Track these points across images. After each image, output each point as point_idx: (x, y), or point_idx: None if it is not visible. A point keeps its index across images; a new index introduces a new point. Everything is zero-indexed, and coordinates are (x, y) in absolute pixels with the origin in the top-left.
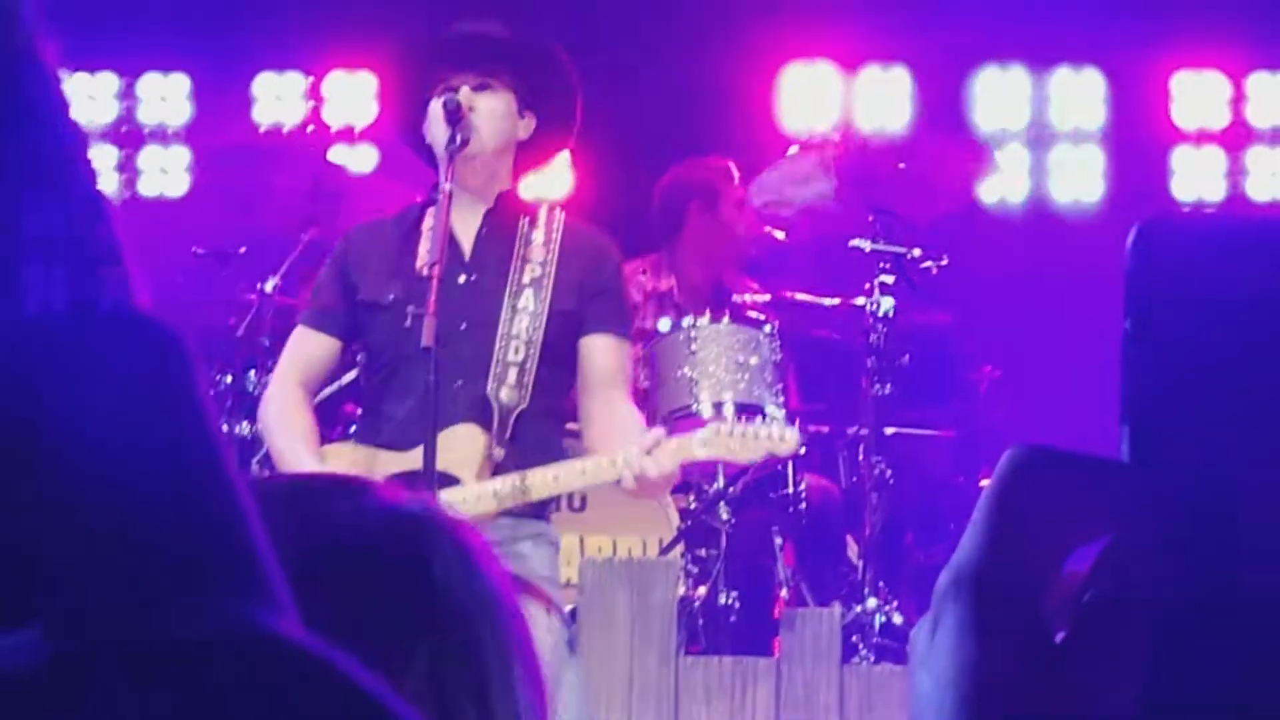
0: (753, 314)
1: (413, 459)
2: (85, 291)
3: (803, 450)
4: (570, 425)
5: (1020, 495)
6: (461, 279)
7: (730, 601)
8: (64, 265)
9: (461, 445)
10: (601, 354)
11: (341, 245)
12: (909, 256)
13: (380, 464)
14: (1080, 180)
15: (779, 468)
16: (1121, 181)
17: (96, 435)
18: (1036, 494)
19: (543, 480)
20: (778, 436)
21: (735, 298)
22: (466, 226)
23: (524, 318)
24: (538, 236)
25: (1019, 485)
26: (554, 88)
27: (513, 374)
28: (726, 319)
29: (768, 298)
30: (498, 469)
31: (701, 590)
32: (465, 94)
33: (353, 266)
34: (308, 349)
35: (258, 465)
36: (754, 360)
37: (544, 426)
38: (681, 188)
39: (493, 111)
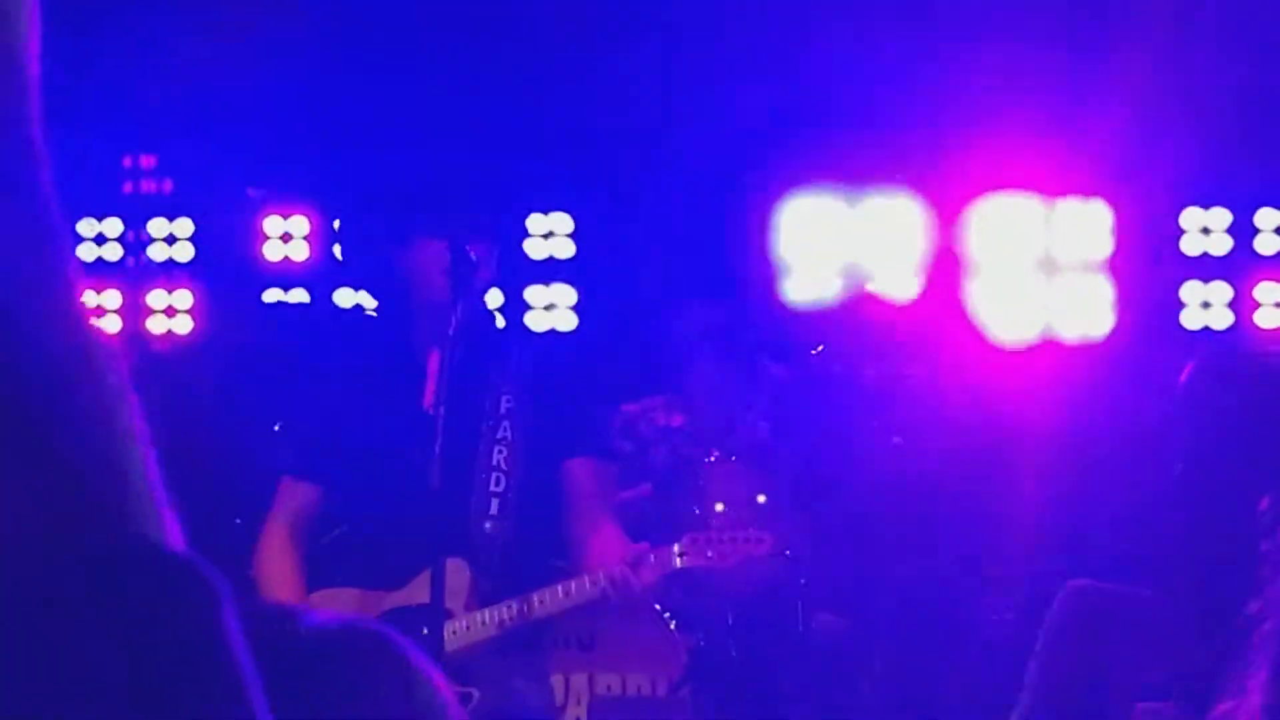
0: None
1: (403, 596)
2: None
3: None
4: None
5: (1073, 646)
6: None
7: None
8: None
9: (448, 579)
10: (583, 476)
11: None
12: None
13: (369, 604)
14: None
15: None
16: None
17: None
18: (1089, 642)
19: (541, 600)
20: (755, 539)
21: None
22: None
23: (503, 449)
24: (511, 370)
25: (1071, 636)
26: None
27: (495, 505)
28: (734, 458)
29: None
30: (485, 600)
31: None
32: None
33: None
34: (298, 499)
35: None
36: (762, 498)
37: (526, 556)
38: (691, 329)
39: (487, 263)
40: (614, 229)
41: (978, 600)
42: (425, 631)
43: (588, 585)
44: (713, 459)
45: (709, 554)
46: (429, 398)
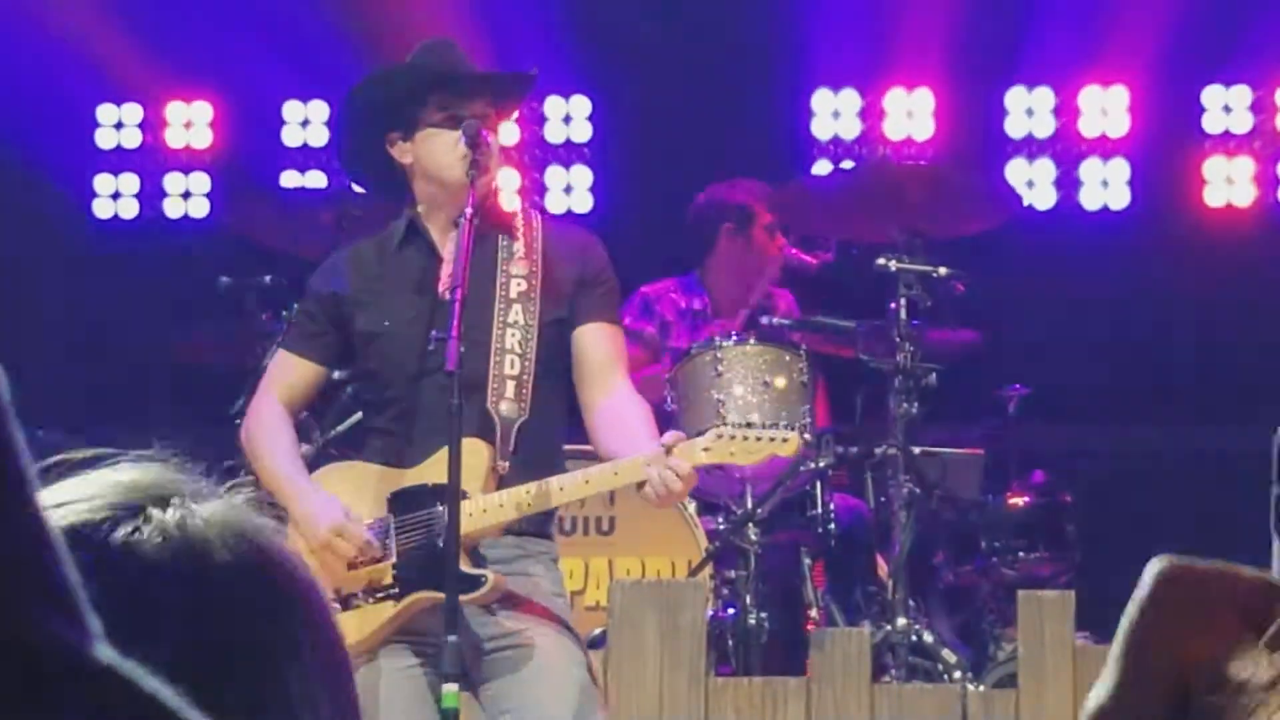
0: (780, 335)
1: (418, 475)
2: None
3: (830, 467)
4: (568, 446)
5: (1158, 624)
6: (449, 297)
7: (760, 622)
8: None
9: (466, 460)
10: (595, 342)
11: (324, 273)
12: (935, 274)
13: (387, 481)
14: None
15: (807, 488)
16: (1149, 189)
17: None
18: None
19: (560, 487)
20: (780, 439)
21: (763, 319)
22: (452, 245)
23: (516, 332)
24: (519, 248)
25: (1156, 615)
26: (516, 105)
27: (511, 388)
28: (753, 340)
29: (795, 319)
30: (502, 482)
31: (731, 612)
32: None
33: (341, 295)
34: (292, 373)
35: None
36: (780, 381)
37: (545, 438)
38: (714, 209)
39: (497, 145)
40: (633, 112)
41: (996, 481)
42: (440, 508)
43: (611, 474)
44: (732, 339)
45: (732, 451)
46: (444, 281)
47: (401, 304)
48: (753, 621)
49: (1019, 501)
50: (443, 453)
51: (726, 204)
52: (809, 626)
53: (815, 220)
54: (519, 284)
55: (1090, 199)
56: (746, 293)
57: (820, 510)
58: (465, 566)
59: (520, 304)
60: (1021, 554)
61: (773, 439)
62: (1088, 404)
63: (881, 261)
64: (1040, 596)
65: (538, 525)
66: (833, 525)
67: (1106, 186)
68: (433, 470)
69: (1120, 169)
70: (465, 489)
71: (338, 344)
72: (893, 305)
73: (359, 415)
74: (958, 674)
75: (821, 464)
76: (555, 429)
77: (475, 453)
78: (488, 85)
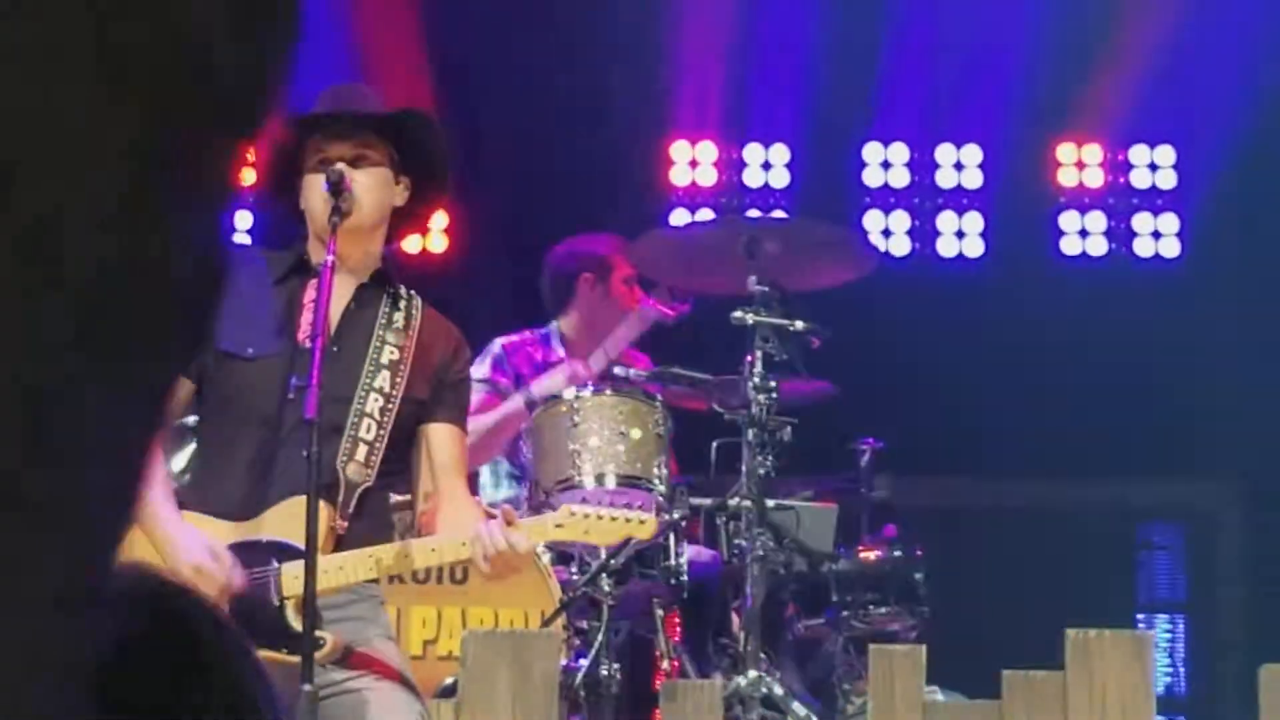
0: (636, 387)
1: (254, 528)
2: None
3: (685, 520)
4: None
5: None
6: (308, 345)
7: (612, 673)
8: None
9: (305, 516)
10: (444, 443)
11: None
12: (791, 328)
13: (218, 534)
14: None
15: (660, 539)
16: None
17: None
18: None
19: (419, 551)
20: (636, 520)
21: (619, 370)
22: (337, 298)
23: (379, 398)
24: (399, 320)
25: None
26: (426, 153)
27: (362, 451)
28: (609, 391)
29: (651, 371)
30: (340, 542)
31: (583, 663)
32: (344, 168)
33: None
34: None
35: None
36: (636, 433)
37: (383, 505)
38: (573, 260)
39: (370, 185)
40: (492, 157)
41: (849, 534)
42: (277, 565)
43: (459, 545)
44: (588, 390)
45: (586, 530)
46: (303, 329)
47: (267, 338)
48: (605, 672)
49: (871, 555)
50: (283, 506)
51: (585, 255)
52: (660, 678)
53: (671, 271)
54: (392, 352)
55: (948, 248)
56: (605, 339)
57: (673, 561)
58: (298, 625)
59: (389, 371)
60: (873, 608)
61: (629, 520)
62: (941, 457)
63: (738, 315)
64: (891, 650)
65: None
66: (685, 577)
67: (962, 238)
68: (271, 524)
69: (975, 221)
70: (300, 545)
71: (201, 359)
72: (748, 358)
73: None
74: None
75: (675, 516)
76: (390, 497)
77: (318, 512)
78: (330, 122)
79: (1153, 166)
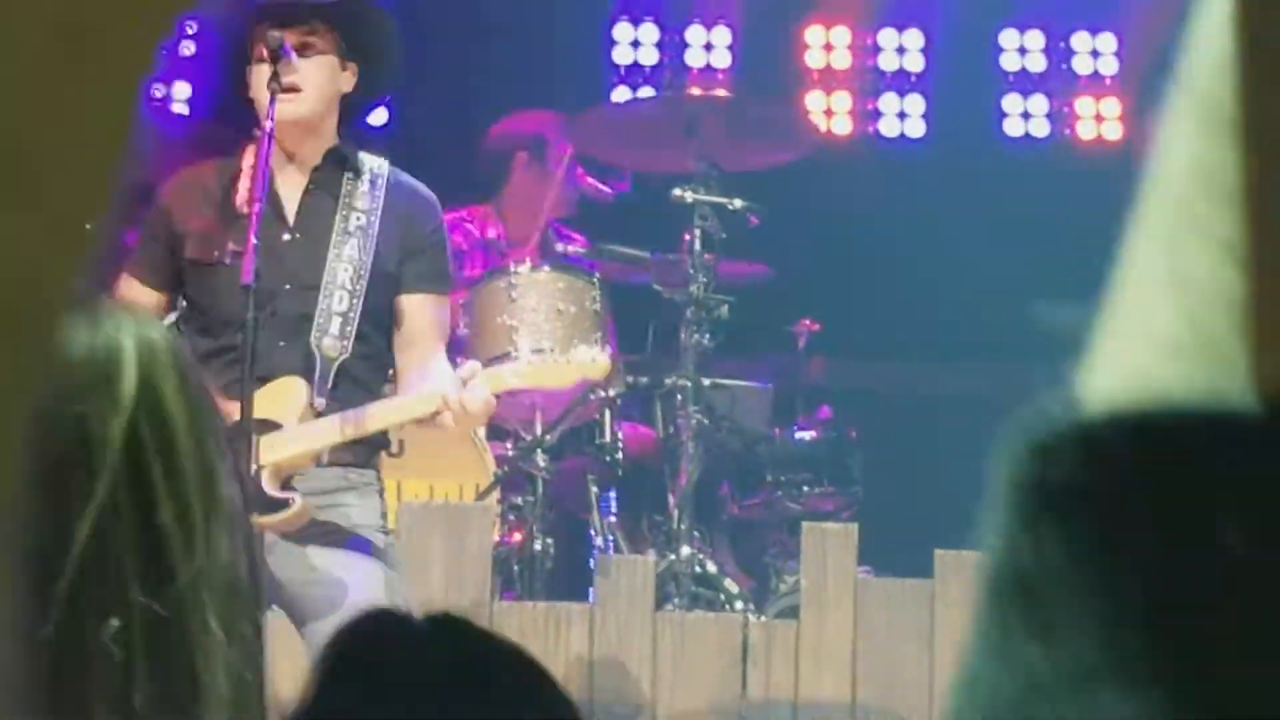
0: (574, 263)
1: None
2: None
3: (619, 397)
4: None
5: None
6: (285, 238)
7: (546, 548)
8: None
9: (284, 395)
10: (419, 312)
11: (163, 198)
12: (730, 206)
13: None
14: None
15: (597, 416)
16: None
17: None
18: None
19: (370, 415)
20: (589, 359)
21: (558, 247)
22: (292, 187)
23: (349, 267)
24: (362, 191)
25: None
26: (373, 39)
27: (336, 324)
28: (547, 267)
29: (590, 248)
30: (320, 419)
31: (517, 536)
32: (289, 65)
33: (176, 221)
34: (135, 299)
35: None
36: (574, 309)
37: (365, 376)
38: (508, 139)
39: (316, 73)
40: (434, 33)
41: (784, 415)
42: (255, 437)
43: (424, 399)
44: (526, 265)
45: (545, 373)
46: (241, 194)
47: (231, 234)
48: (539, 547)
49: (805, 435)
50: (264, 390)
51: (521, 134)
52: (594, 553)
53: (612, 150)
54: (358, 218)
55: (889, 128)
56: (541, 222)
57: (609, 439)
58: (273, 490)
59: (357, 239)
60: (806, 488)
61: (582, 361)
62: (878, 340)
63: (677, 192)
64: (824, 529)
65: (362, 457)
66: (620, 454)
67: (904, 119)
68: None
69: (917, 103)
70: (280, 421)
71: (173, 270)
72: (686, 236)
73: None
74: (740, 604)
75: (611, 393)
76: (377, 372)
77: (293, 389)
78: (286, 12)
79: (1094, 54)
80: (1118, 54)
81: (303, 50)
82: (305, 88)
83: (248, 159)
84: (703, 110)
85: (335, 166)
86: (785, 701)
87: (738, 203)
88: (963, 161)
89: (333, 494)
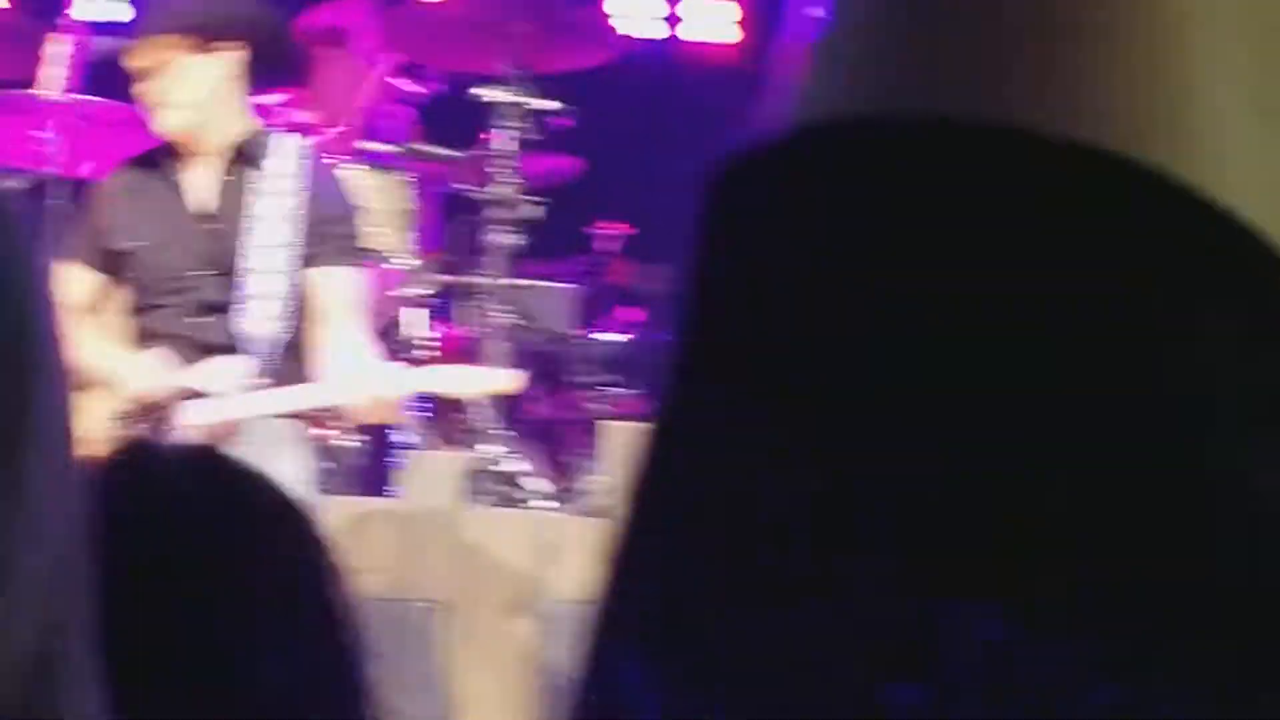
0: (384, 161)
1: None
2: None
3: (431, 296)
4: None
5: None
6: (208, 226)
7: (354, 444)
8: None
9: (225, 371)
10: (327, 286)
11: (95, 196)
12: (533, 106)
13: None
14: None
15: (395, 315)
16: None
17: None
18: None
19: (282, 400)
20: (504, 377)
21: (366, 144)
22: (210, 181)
23: (269, 253)
24: (285, 169)
25: None
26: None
27: (271, 306)
28: (355, 164)
29: (400, 146)
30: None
31: (326, 432)
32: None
33: (106, 215)
34: (79, 286)
35: None
36: (384, 207)
37: (301, 356)
38: (309, 31)
39: (165, 90)
40: None
41: (591, 317)
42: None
43: (338, 392)
44: (345, 160)
45: (461, 384)
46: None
47: (160, 225)
48: (347, 444)
49: (612, 337)
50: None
51: (318, 27)
52: (400, 450)
53: (422, 49)
54: (282, 202)
55: (700, 33)
56: (348, 116)
57: (412, 334)
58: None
59: (287, 224)
60: (613, 389)
61: (491, 376)
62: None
63: (476, 91)
64: (627, 427)
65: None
66: (430, 352)
67: (713, 23)
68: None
69: (731, 9)
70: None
71: (107, 259)
72: (485, 135)
73: None
74: (545, 502)
75: (425, 292)
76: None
77: (234, 365)
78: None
79: None
80: None
81: (148, 75)
82: (173, 98)
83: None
84: (512, 11)
85: (253, 151)
86: (589, 600)
87: (546, 104)
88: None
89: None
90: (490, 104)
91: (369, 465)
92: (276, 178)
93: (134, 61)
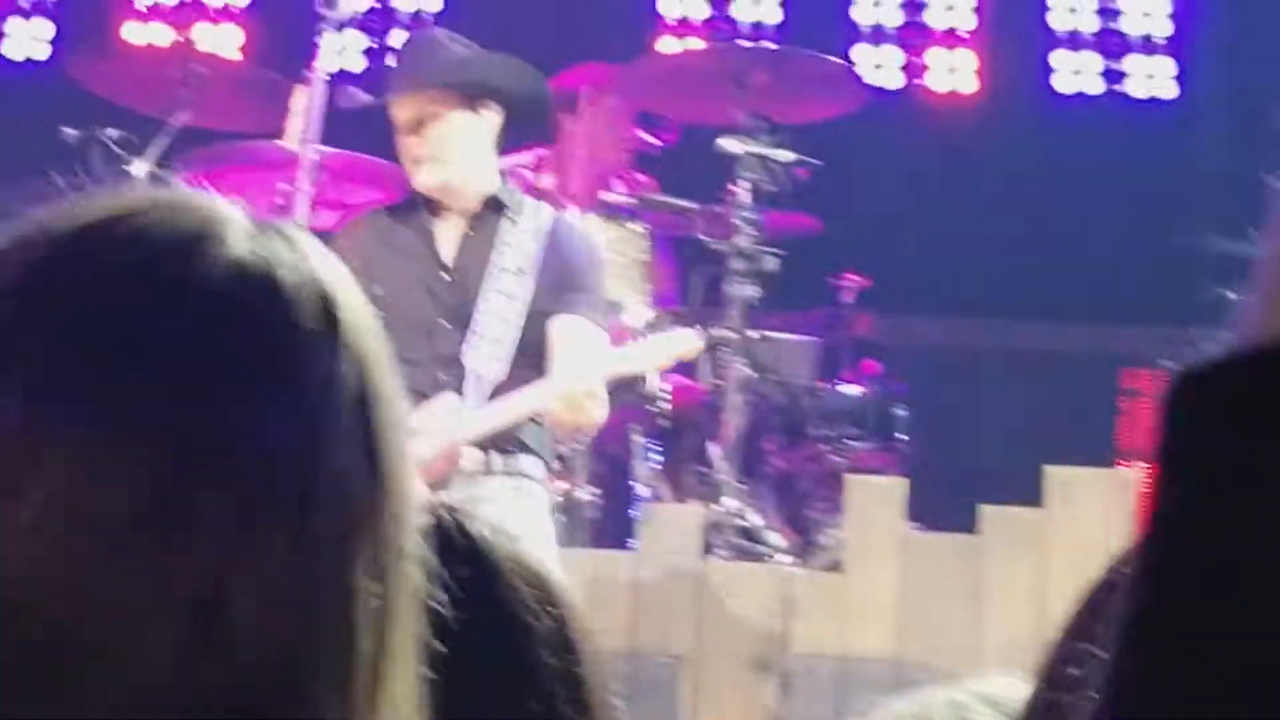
0: (622, 213)
1: None
2: None
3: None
4: None
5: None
6: (445, 278)
7: (590, 498)
8: None
9: (443, 408)
10: (571, 328)
11: (345, 237)
12: (778, 158)
13: None
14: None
15: None
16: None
17: None
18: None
19: (495, 413)
20: (680, 338)
21: (605, 196)
22: (452, 235)
23: (506, 300)
24: (522, 231)
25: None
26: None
27: (493, 348)
28: (595, 217)
29: (638, 198)
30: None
31: (562, 485)
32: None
33: (354, 256)
34: None
35: None
36: (619, 258)
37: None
38: (561, 93)
39: (442, 143)
40: None
41: (829, 369)
42: None
43: (541, 395)
44: (574, 215)
45: (639, 359)
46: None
47: (407, 278)
48: (583, 497)
49: (852, 390)
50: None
51: (572, 88)
52: (638, 504)
53: (661, 100)
54: (517, 257)
55: (939, 83)
56: (592, 175)
57: (653, 389)
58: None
59: (514, 276)
60: (851, 442)
61: (671, 339)
62: (926, 296)
63: (723, 143)
64: (869, 481)
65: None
66: (666, 405)
67: (954, 73)
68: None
69: (968, 58)
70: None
71: None
72: (732, 188)
73: None
74: (783, 557)
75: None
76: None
77: (452, 406)
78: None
79: (1144, 14)
80: (1171, 15)
81: (416, 128)
82: (439, 153)
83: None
84: (752, 61)
85: (493, 212)
86: (829, 655)
87: (785, 155)
88: (1012, 117)
89: (476, 485)
90: (732, 155)
91: (607, 518)
92: (521, 234)
93: (401, 114)
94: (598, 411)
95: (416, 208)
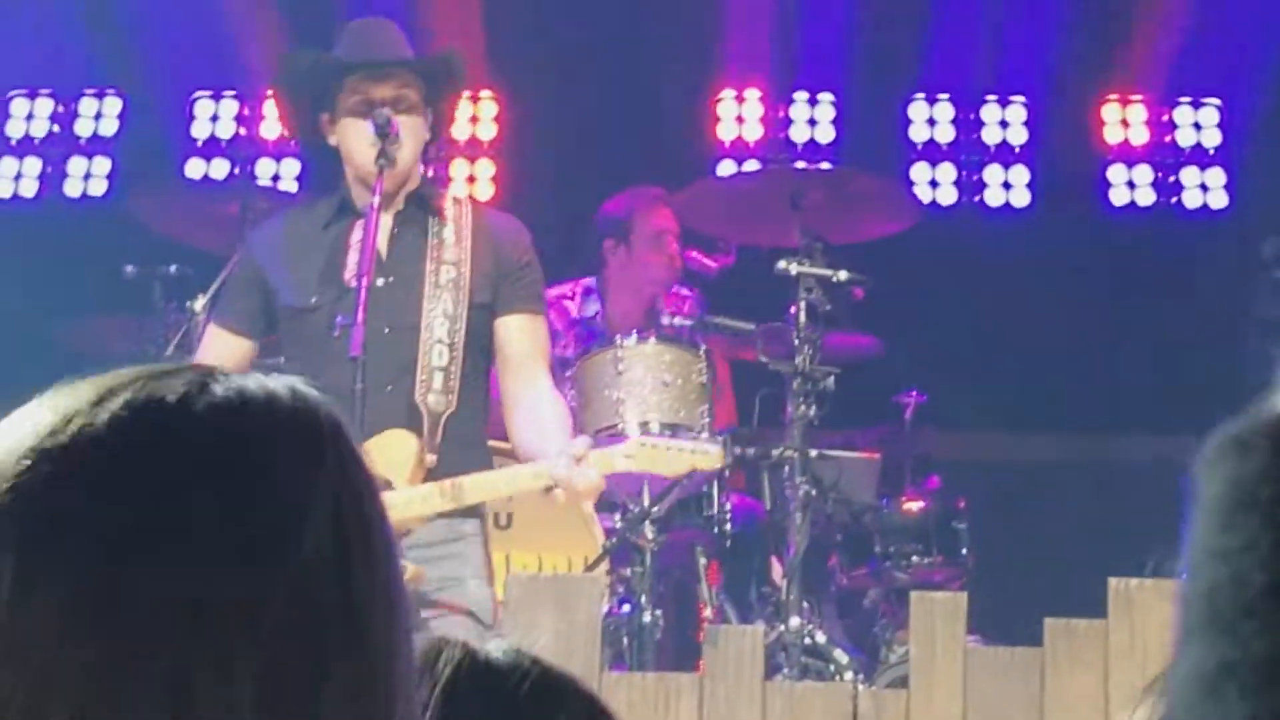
0: (680, 336)
1: None
2: None
3: (728, 469)
4: (494, 443)
5: None
6: (380, 282)
7: (655, 619)
8: None
9: (393, 450)
10: (518, 333)
11: (252, 245)
12: (835, 278)
13: None
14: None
15: (704, 488)
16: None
17: None
18: None
19: (474, 485)
20: (702, 451)
21: (664, 319)
22: (380, 234)
23: (444, 321)
24: (449, 234)
25: None
26: (452, 87)
27: (439, 379)
28: (653, 339)
29: (696, 320)
30: (429, 475)
31: (626, 609)
32: (390, 113)
33: (268, 268)
34: (222, 349)
35: None
36: (680, 381)
37: (471, 429)
38: (596, 224)
39: (411, 130)
40: (540, 111)
41: (891, 486)
42: None
43: (534, 474)
44: (633, 338)
45: (654, 460)
46: (349, 269)
47: (320, 284)
48: (647, 619)
49: (913, 506)
50: (370, 443)
51: (605, 218)
52: (703, 624)
53: (717, 222)
54: (449, 271)
55: (994, 198)
56: (642, 300)
57: (716, 510)
58: None
59: (449, 292)
60: (915, 558)
61: (694, 451)
62: (984, 410)
63: (782, 264)
64: (933, 598)
65: (468, 507)
66: (729, 525)
67: (1009, 189)
68: None
69: (1021, 174)
70: (391, 479)
71: (264, 318)
72: (792, 309)
73: None
74: (849, 674)
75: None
76: (480, 419)
77: (403, 444)
78: (394, 68)
79: (1197, 125)
80: (1220, 125)
81: (395, 104)
82: (403, 142)
83: (355, 234)
84: (807, 183)
85: (418, 207)
86: None
87: (843, 274)
88: (1067, 231)
89: (436, 546)
90: (788, 276)
91: (672, 640)
92: (448, 234)
93: (379, 90)
94: (592, 497)
95: (343, 209)
